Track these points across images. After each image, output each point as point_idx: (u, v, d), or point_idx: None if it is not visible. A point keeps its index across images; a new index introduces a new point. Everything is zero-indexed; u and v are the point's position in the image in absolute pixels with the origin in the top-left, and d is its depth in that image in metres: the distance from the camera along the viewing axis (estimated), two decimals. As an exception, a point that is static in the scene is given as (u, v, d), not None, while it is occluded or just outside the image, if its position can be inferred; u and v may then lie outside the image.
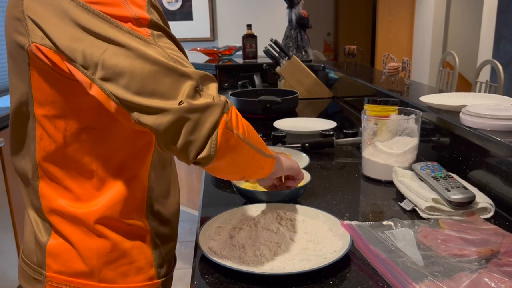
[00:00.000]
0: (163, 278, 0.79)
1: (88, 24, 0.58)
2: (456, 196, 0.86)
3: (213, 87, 0.61)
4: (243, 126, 0.64)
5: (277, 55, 2.22)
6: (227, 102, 0.61)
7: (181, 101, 0.57)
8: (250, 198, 0.93)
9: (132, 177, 0.72)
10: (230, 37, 4.15)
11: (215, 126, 0.59)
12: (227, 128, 0.60)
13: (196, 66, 2.65)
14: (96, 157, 0.69)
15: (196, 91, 0.59)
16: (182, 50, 0.65)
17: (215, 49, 3.01)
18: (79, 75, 0.60)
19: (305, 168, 1.08)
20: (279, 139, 1.44)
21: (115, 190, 0.71)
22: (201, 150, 0.59)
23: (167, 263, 0.80)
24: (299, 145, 1.33)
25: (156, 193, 0.77)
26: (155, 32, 0.60)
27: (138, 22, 0.60)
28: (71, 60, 0.59)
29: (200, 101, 0.58)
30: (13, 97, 0.70)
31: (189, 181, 3.01)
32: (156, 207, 0.77)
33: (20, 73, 0.66)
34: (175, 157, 0.80)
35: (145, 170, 0.74)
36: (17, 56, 0.65)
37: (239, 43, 2.86)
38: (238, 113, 0.65)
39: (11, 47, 0.65)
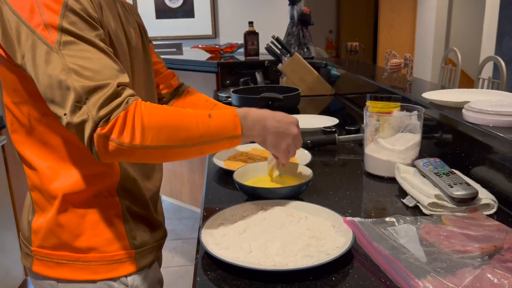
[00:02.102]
0: (139, 249, 0.83)
1: (14, 26, 0.66)
2: (458, 192, 0.85)
3: (94, 100, 0.64)
4: (136, 134, 0.66)
5: (279, 52, 2.22)
6: (110, 113, 0.64)
7: (65, 114, 0.65)
8: (252, 195, 0.93)
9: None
10: (231, 35, 4.14)
11: (89, 139, 0.65)
12: (103, 138, 0.65)
13: (198, 63, 2.65)
14: (61, 140, 0.76)
15: (76, 106, 0.64)
16: (103, 51, 0.68)
17: (217, 46, 3.01)
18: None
19: (307, 165, 1.08)
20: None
21: (82, 170, 0.77)
22: (92, 153, 0.67)
23: (142, 236, 0.84)
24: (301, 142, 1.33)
25: (131, 174, 0.82)
26: (63, 39, 0.65)
27: (48, 27, 0.64)
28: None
29: (75, 118, 0.64)
30: None
31: (191, 178, 3.01)
32: (129, 186, 0.82)
33: None
34: None
35: None
36: None
37: (240, 41, 2.85)
38: (144, 118, 0.66)
39: None
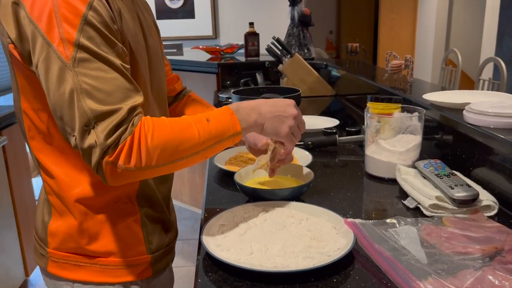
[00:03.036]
0: (155, 253, 0.85)
1: (31, 33, 0.64)
2: (459, 194, 0.85)
3: (102, 127, 0.63)
4: (142, 158, 0.65)
5: (279, 53, 2.22)
6: (117, 141, 0.64)
7: (74, 136, 0.64)
8: (253, 196, 0.93)
9: None
10: (232, 35, 4.14)
11: (97, 166, 0.65)
12: (111, 165, 0.64)
13: (198, 64, 2.65)
14: None
15: (85, 130, 0.63)
16: (118, 69, 0.66)
17: (217, 47, 3.01)
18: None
19: (308, 166, 1.08)
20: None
21: (99, 178, 0.76)
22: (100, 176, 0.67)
23: (158, 239, 0.86)
24: (302, 143, 1.33)
25: (150, 181, 0.84)
26: (78, 56, 0.63)
27: (64, 42, 0.63)
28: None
29: (83, 143, 0.64)
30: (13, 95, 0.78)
31: (192, 179, 3.01)
32: (148, 192, 0.83)
33: (11, 72, 0.73)
34: None
35: None
36: (6, 57, 0.72)
37: (241, 41, 2.85)
38: (148, 142, 0.65)
39: (4, 50, 0.72)
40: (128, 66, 0.70)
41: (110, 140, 0.63)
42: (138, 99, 0.68)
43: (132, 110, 0.66)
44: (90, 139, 0.63)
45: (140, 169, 0.66)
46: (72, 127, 0.64)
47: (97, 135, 0.63)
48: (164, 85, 0.93)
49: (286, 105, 0.81)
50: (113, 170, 0.65)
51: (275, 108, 0.80)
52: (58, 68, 0.63)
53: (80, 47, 0.63)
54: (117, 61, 0.66)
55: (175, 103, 1.07)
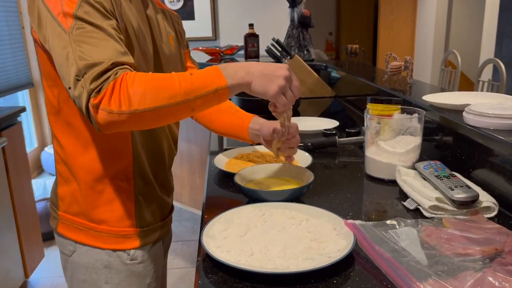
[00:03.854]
0: (144, 228, 0.94)
1: (42, 12, 0.77)
2: (459, 195, 0.86)
3: (89, 75, 0.72)
4: (122, 100, 0.71)
5: (279, 54, 2.22)
6: (100, 86, 0.71)
7: (70, 87, 0.73)
8: (253, 197, 0.93)
9: (116, 143, 0.88)
10: (232, 37, 4.14)
11: (86, 110, 0.72)
12: (95, 108, 0.72)
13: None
14: (81, 121, 0.86)
15: (77, 80, 0.72)
16: (110, 35, 0.75)
17: (217, 48, 3.01)
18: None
19: (308, 167, 1.08)
20: (282, 138, 1.44)
21: (98, 151, 0.87)
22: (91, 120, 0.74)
23: (149, 216, 0.96)
24: (302, 144, 1.33)
25: (143, 159, 0.93)
26: (76, 25, 0.74)
27: (66, 15, 0.75)
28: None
29: (75, 92, 0.72)
30: None
31: (192, 180, 3.01)
32: (143, 173, 0.93)
33: (37, 56, 0.86)
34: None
35: (126, 139, 0.89)
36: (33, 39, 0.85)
37: (241, 43, 2.86)
38: (128, 86, 0.71)
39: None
40: (122, 37, 0.78)
41: (93, 85, 0.71)
42: (128, 59, 0.75)
43: (117, 64, 0.73)
44: (79, 87, 0.72)
45: (122, 113, 0.71)
46: (68, 81, 0.73)
47: (84, 82, 0.71)
48: None
49: (277, 67, 0.81)
50: (99, 113, 0.71)
51: (265, 67, 0.80)
52: (61, 36, 0.74)
53: (78, 18, 0.74)
54: (111, 30, 0.76)
55: None
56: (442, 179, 0.92)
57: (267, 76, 0.79)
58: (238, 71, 0.78)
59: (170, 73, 0.76)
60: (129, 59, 0.75)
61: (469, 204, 0.86)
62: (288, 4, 2.61)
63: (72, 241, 0.93)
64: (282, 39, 2.68)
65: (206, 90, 0.75)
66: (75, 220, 0.92)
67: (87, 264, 0.92)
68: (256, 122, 1.09)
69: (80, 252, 0.92)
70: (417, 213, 0.90)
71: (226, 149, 1.26)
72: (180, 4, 4.16)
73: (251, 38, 2.67)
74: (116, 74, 0.72)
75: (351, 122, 1.69)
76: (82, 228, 0.91)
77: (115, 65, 0.73)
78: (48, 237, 2.72)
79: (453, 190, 0.87)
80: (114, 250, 0.91)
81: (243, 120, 1.10)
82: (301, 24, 2.61)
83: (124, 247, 0.92)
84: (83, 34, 0.73)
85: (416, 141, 1.07)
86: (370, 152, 1.10)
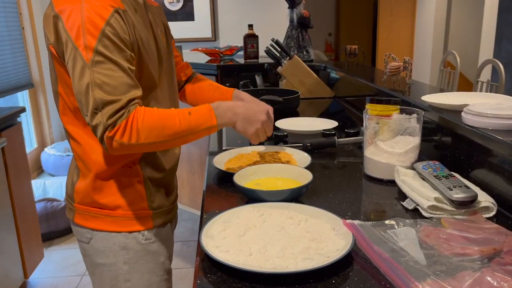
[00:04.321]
0: (156, 210, 1.03)
1: (64, 39, 0.86)
2: (458, 195, 0.86)
3: (106, 111, 0.84)
4: (132, 136, 0.86)
5: (278, 55, 2.22)
6: (115, 122, 0.85)
7: (87, 115, 0.86)
8: (252, 197, 0.93)
9: None
10: (231, 37, 4.15)
11: (101, 139, 0.86)
12: (109, 139, 0.86)
13: (198, 66, 2.65)
14: None
15: (94, 113, 0.85)
16: (125, 71, 0.87)
17: (217, 49, 3.01)
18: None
19: (307, 168, 1.08)
20: (281, 138, 1.44)
21: None
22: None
23: (159, 199, 1.04)
24: (301, 144, 1.34)
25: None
26: (95, 59, 0.84)
27: (87, 48, 0.84)
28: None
29: (92, 122, 0.85)
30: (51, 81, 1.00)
31: (191, 181, 3.01)
32: (150, 159, 1.01)
33: (50, 65, 0.96)
34: None
35: None
36: (48, 53, 0.93)
37: (240, 43, 2.86)
38: (139, 124, 0.86)
39: (47, 48, 0.93)
40: (134, 68, 0.90)
41: (110, 121, 0.84)
42: (137, 93, 0.88)
43: (130, 101, 0.86)
44: (96, 119, 0.84)
45: (131, 145, 0.86)
46: (86, 109, 0.85)
47: (101, 117, 0.84)
48: (174, 75, 1.13)
49: (259, 111, 1.01)
50: (112, 143, 0.86)
51: (249, 111, 0.99)
52: (81, 66, 0.84)
53: (97, 52, 0.84)
54: (125, 64, 0.87)
55: (185, 84, 1.29)
56: (441, 179, 0.92)
57: (248, 119, 0.99)
58: (227, 112, 0.96)
59: (173, 111, 0.91)
60: (138, 91, 0.88)
61: (468, 204, 0.86)
62: (287, 5, 2.61)
63: (89, 229, 1.01)
64: (281, 39, 2.69)
65: (200, 128, 0.92)
66: (91, 209, 1.00)
67: (105, 248, 1.00)
68: (238, 97, 1.23)
69: (97, 238, 1.01)
70: (415, 213, 0.90)
71: (225, 150, 1.26)
72: (180, 4, 4.16)
73: (251, 38, 2.67)
74: (129, 111, 0.85)
75: (350, 122, 1.69)
76: (98, 215, 1.00)
77: (128, 102, 0.85)
78: (48, 238, 2.73)
79: (451, 190, 0.87)
80: (130, 232, 1.00)
81: (225, 95, 1.25)
82: (301, 25, 2.61)
83: (139, 228, 1.01)
84: (101, 70, 0.84)
85: (415, 141, 1.07)
86: (369, 152, 1.11)
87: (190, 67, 1.32)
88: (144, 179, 1.01)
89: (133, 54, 0.91)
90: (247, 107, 0.99)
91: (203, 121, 0.93)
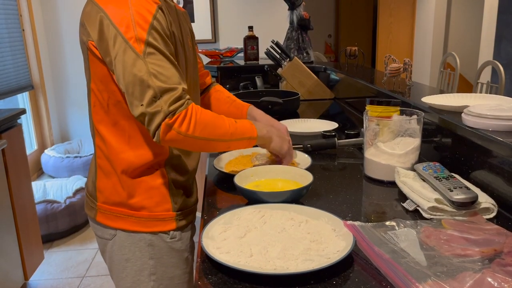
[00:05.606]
0: (178, 212, 1.03)
1: (113, 35, 0.87)
2: (458, 196, 0.86)
3: (166, 98, 0.86)
4: (190, 126, 0.89)
5: (278, 56, 2.23)
6: (176, 109, 0.87)
7: (142, 104, 0.86)
8: (252, 198, 0.93)
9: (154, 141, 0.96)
10: (231, 39, 4.15)
11: (158, 126, 0.87)
12: (168, 127, 0.87)
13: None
14: (127, 123, 0.96)
15: (153, 100, 0.86)
16: (173, 63, 0.89)
17: (217, 50, 3.02)
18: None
19: (307, 169, 1.09)
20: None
21: (140, 147, 0.98)
22: (154, 136, 0.89)
23: (182, 201, 1.04)
24: (301, 146, 1.34)
25: (176, 153, 1.03)
26: (147, 50, 0.87)
27: (138, 40, 0.86)
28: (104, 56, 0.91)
29: (150, 109, 0.86)
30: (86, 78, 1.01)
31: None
32: (175, 162, 1.03)
33: (85, 62, 0.97)
34: None
35: None
36: (83, 50, 0.95)
37: (240, 45, 2.86)
38: (197, 117, 0.89)
39: (80, 45, 0.96)
40: (177, 62, 0.93)
41: (172, 108, 0.86)
42: (186, 85, 0.91)
43: (184, 90, 0.89)
44: (156, 107, 0.86)
45: (187, 136, 0.89)
46: (141, 99, 0.86)
47: (163, 104, 0.86)
48: (197, 79, 1.14)
49: (285, 132, 1.12)
50: (169, 131, 0.87)
51: (279, 130, 1.10)
52: (133, 58, 0.86)
53: (148, 44, 0.87)
54: (172, 57, 0.90)
55: (204, 94, 1.31)
56: (441, 180, 0.92)
57: (280, 138, 1.08)
58: (262, 128, 1.04)
59: (222, 116, 0.96)
60: (185, 84, 0.90)
61: (468, 205, 0.86)
62: (287, 7, 2.62)
63: (113, 229, 1.02)
64: (281, 41, 2.69)
65: (244, 136, 0.98)
66: (115, 209, 1.01)
67: (130, 244, 1.01)
68: (251, 114, 1.24)
69: (122, 235, 1.01)
70: (416, 214, 0.90)
71: (226, 151, 1.26)
72: (180, 6, 4.16)
73: (251, 40, 2.67)
74: (187, 102, 0.88)
75: (350, 124, 1.69)
76: (121, 216, 1.00)
77: (183, 91, 0.88)
78: (48, 239, 2.72)
79: (452, 191, 0.87)
80: (155, 232, 1.01)
81: (240, 110, 1.26)
82: (301, 27, 2.61)
83: (163, 229, 1.01)
84: (154, 61, 0.86)
85: (415, 142, 1.07)
86: (369, 153, 1.11)
87: (210, 75, 1.33)
88: (169, 181, 1.01)
89: (173, 52, 0.93)
90: (275, 127, 1.08)
91: (246, 130, 0.99)
